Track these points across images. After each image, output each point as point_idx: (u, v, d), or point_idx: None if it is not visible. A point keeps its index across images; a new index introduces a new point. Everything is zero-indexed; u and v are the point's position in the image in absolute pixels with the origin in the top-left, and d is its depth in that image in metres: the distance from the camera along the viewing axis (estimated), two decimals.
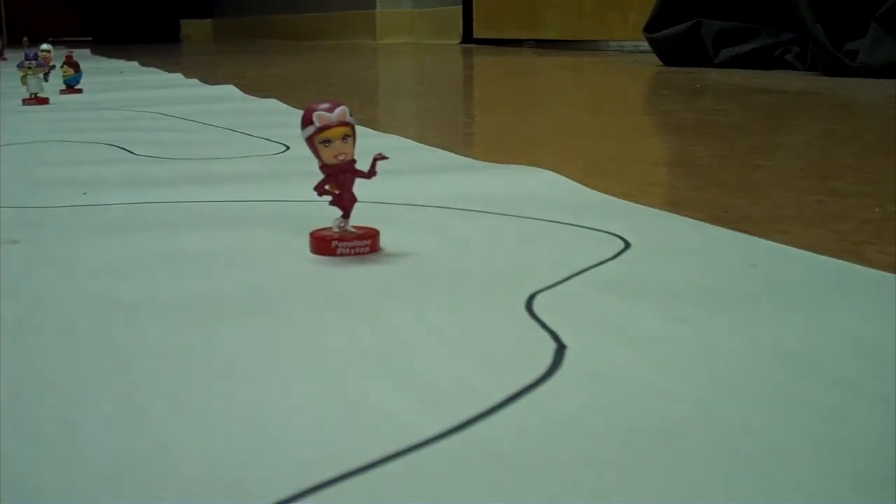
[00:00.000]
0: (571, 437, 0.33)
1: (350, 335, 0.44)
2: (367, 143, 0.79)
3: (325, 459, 0.31)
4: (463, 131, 1.32)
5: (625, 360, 0.40)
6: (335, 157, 0.56)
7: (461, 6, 4.33)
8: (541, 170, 0.83)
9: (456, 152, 0.98)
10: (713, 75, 2.10)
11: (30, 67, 1.60)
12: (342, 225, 0.58)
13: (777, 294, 0.49)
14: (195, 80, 2.13)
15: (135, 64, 3.05)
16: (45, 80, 1.68)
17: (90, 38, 6.49)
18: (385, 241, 0.59)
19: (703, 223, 0.65)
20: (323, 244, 0.58)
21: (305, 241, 0.59)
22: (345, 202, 0.58)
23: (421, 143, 1.05)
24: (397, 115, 1.64)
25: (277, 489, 0.29)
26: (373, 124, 1.23)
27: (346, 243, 0.57)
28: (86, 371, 0.39)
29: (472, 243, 0.61)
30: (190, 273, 0.54)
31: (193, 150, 1.04)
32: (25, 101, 1.61)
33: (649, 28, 2.48)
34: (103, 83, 2.10)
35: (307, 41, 5.35)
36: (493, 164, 0.90)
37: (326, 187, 0.57)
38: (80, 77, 1.85)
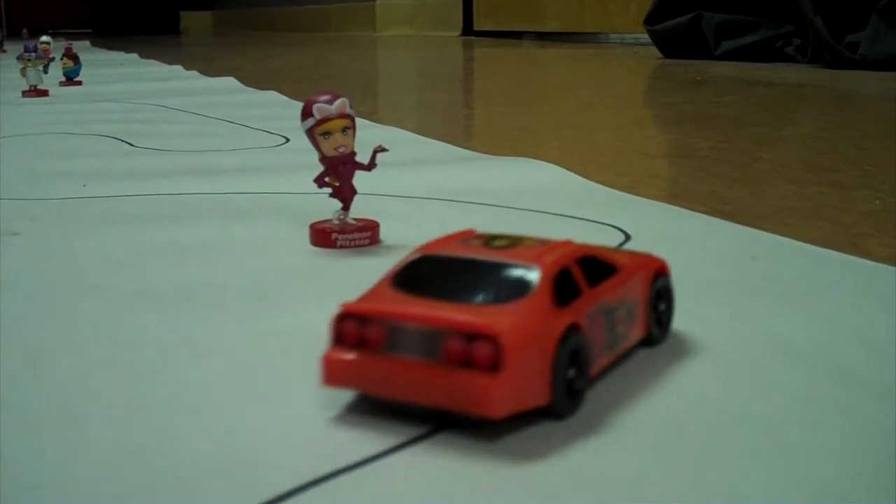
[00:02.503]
0: (571, 431, 0.32)
1: None
2: (367, 135, 0.78)
3: (324, 453, 0.31)
4: (463, 123, 1.32)
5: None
6: (335, 149, 0.56)
7: None
8: (541, 162, 0.83)
9: (456, 145, 0.97)
10: (714, 67, 2.10)
11: (29, 59, 1.60)
12: (342, 217, 0.58)
13: (777, 286, 0.49)
14: (195, 72, 2.13)
15: (134, 56, 3.04)
16: (45, 72, 1.67)
17: (90, 31, 6.48)
18: (385, 234, 0.59)
19: (703, 215, 0.65)
20: (323, 236, 0.58)
21: (305, 233, 0.59)
22: (345, 194, 0.58)
23: (421, 135, 1.05)
24: (397, 107, 1.64)
25: (277, 483, 0.29)
26: (373, 116, 1.23)
27: (345, 235, 0.57)
28: (85, 362, 0.39)
29: None
30: (189, 265, 0.54)
31: (193, 142, 1.04)
32: (25, 94, 1.60)
33: (650, 20, 2.48)
34: (103, 75, 2.10)
35: (307, 33, 5.34)
36: (494, 156, 0.90)
37: (326, 179, 0.57)
38: (79, 69, 1.85)
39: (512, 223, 0.64)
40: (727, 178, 0.81)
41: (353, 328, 0.34)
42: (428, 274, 0.36)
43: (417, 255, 0.37)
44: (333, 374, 0.34)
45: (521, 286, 0.34)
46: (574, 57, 2.76)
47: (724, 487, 0.29)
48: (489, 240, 0.37)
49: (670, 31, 2.41)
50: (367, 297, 0.35)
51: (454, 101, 1.69)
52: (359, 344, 0.34)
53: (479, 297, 0.34)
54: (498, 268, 0.35)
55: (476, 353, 0.31)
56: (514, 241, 0.37)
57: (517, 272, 0.35)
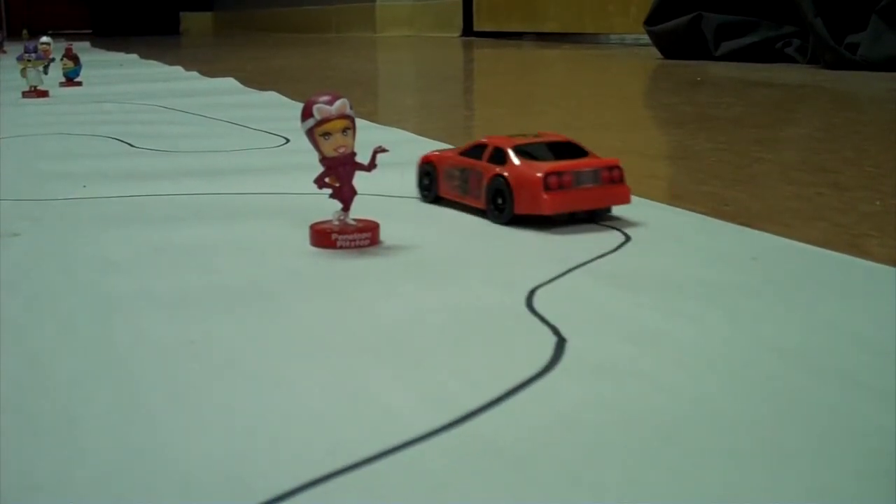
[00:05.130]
0: (571, 430, 0.32)
1: (349, 329, 0.43)
2: (368, 136, 0.78)
3: (324, 454, 0.31)
4: (463, 124, 1.32)
5: (625, 354, 0.40)
6: (335, 149, 0.56)
7: None
8: None
9: (456, 146, 0.97)
10: (714, 68, 2.10)
11: (29, 60, 1.60)
12: (342, 218, 0.58)
13: (777, 288, 0.49)
14: (195, 73, 2.13)
15: (134, 57, 3.04)
16: (45, 72, 1.67)
17: (90, 31, 6.48)
18: (385, 234, 0.59)
19: (703, 216, 0.65)
20: (323, 237, 0.58)
21: (305, 234, 0.59)
22: (345, 195, 0.58)
23: (421, 136, 1.05)
24: (397, 108, 1.64)
25: (276, 483, 0.29)
26: (373, 117, 1.23)
27: (346, 236, 0.57)
28: (85, 364, 0.39)
29: (472, 237, 0.61)
30: (189, 266, 0.54)
31: (193, 143, 1.04)
32: (25, 94, 1.60)
33: (650, 21, 2.48)
34: (103, 76, 2.10)
35: (307, 34, 5.34)
36: None
37: (326, 180, 0.57)
38: (79, 70, 1.85)
39: (513, 225, 0.64)
40: (727, 179, 0.81)
41: (554, 179, 0.60)
42: (535, 151, 0.63)
43: (514, 144, 0.63)
44: (552, 205, 0.60)
45: (584, 152, 0.63)
46: (574, 58, 2.76)
47: (723, 488, 0.29)
48: (528, 136, 0.65)
49: (670, 32, 2.41)
50: (530, 167, 0.61)
51: (454, 102, 1.70)
52: (558, 187, 0.60)
53: (576, 156, 0.63)
54: (566, 145, 0.64)
55: (616, 175, 0.62)
56: (537, 134, 0.66)
57: (577, 147, 0.64)
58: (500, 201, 0.62)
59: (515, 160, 0.62)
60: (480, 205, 0.64)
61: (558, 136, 0.65)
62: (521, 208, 0.61)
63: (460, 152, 0.67)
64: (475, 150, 0.65)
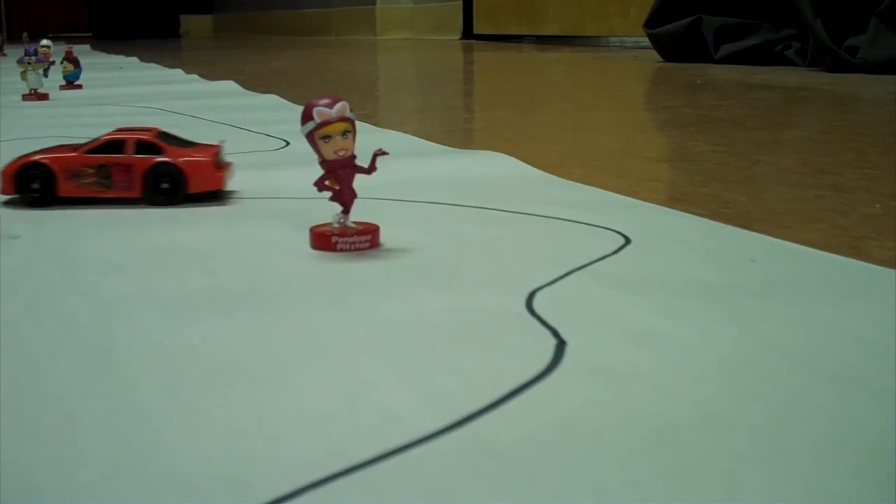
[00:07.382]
0: (571, 432, 0.33)
1: (350, 331, 0.43)
2: (368, 139, 0.78)
3: (324, 455, 0.31)
4: (463, 127, 1.32)
5: (625, 356, 0.40)
6: (335, 152, 0.56)
7: (461, 1, 4.33)
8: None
9: (455, 148, 0.97)
10: (713, 71, 2.10)
11: (29, 63, 1.60)
12: (342, 220, 0.58)
13: (777, 290, 0.49)
14: (195, 76, 2.13)
15: (135, 59, 3.04)
16: (45, 75, 1.67)
17: (90, 34, 6.49)
18: (385, 237, 0.59)
19: (703, 219, 0.65)
20: (323, 240, 0.58)
21: (305, 237, 0.59)
22: (345, 197, 0.58)
23: (422, 139, 1.05)
24: (398, 110, 1.64)
25: (276, 485, 0.29)
26: (373, 120, 1.23)
27: (345, 239, 0.57)
28: (85, 365, 0.39)
29: (472, 239, 0.61)
30: (190, 268, 0.54)
31: None
32: (25, 97, 1.60)
33: (650, 24, 2.48)
34: (103, 79, 2.10)
35: (307, 37, 5.35)
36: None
37: (326, 183, 0.57)
38: (79, 73, 1.85)
39: (512, 227, 0.64)
40: (727, 181, 0.81)
41: (218, 160, 0.72)
42: (171, 141, 0.72)
43: (156, 135, 0.72)
44: (226, 180, 0.73)
45: (190, 140, 0.75)
46: (574, 60, 2.76)
47: (723, 488, 0.29)
48: (140, 130, 0.72)
49: (670, 35, 2.42)
50: (192, 153, 0.71)
51: (454, 105, 1.70)
52: (218, 166, 0.71)
53: (188, 144, 0.73)
54: (172, 135, 0.74)
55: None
56: (151, 129, 0.73)
57: (178, 136, 0.74)
58: (164, 186, 0.70)
59: (172, 149, 0.71)
60: (133, 194, 0.70)
61: (156, 127, 0.73)
62: (195, 188, 0.70)
63: (86, 151, 0.71)
64: (108, 147, 0.71)
